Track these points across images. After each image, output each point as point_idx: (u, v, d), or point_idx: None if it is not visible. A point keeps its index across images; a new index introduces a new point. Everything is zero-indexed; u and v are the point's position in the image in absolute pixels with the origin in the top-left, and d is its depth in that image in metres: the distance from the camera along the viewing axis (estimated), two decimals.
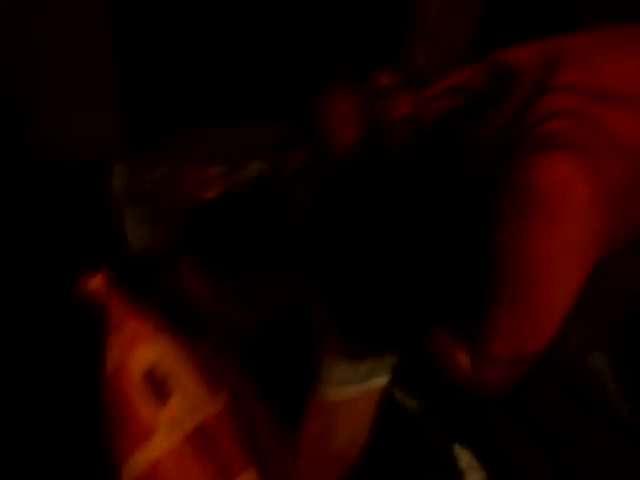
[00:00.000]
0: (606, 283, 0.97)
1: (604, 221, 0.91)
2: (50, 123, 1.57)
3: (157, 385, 1.06)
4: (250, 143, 1.42)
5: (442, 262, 0.94)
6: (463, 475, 1.06)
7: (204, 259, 1.18)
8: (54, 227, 1.39)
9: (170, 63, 1.63)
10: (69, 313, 1.17)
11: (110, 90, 1.60)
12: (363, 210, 0.95)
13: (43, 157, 1.55)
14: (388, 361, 1.07)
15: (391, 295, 0.97)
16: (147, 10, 1.60)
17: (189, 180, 1.32)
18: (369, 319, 1.00)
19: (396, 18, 1.79)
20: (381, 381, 1.06)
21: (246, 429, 1.10)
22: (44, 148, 1.55)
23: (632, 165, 0.92)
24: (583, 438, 0.99)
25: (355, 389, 1.05)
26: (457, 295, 0.96)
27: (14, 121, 1.54)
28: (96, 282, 1.08)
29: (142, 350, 1.07)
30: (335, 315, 1.03)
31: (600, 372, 0.97)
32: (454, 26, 1.79)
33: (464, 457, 1.08)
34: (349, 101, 1.26)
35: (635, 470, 0.98)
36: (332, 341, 1.05)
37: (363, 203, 0.95)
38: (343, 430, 1.05)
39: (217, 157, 1.37)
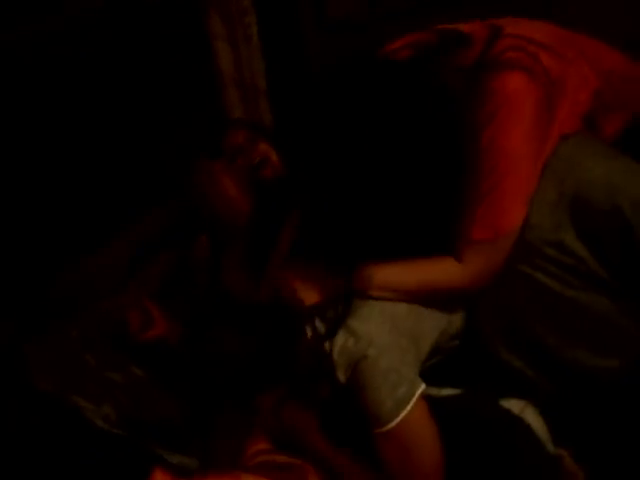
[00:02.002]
0: None
1: (547, 118, 1.20)
2: None
3: None
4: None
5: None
6: (522, 418, 1.22)
7: None
8: None
9: None
10: None
11: None
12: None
13: None
14: (416, 369, 1.22)
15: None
16: None
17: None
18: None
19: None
20: (420, 389, 1.21)
21: None
22: None
23: (552, 88, 1.21)
24: (578, 303, 1.19)
25: (404, 410, 1.18)
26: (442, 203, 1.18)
27: None
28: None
29: None
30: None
31: (569, 244, 1.17)
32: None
33: (513, 405, 1.24)
34: (225, 172, 1.38)
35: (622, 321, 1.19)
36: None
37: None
38: (417, 447, 1.19)
39: None
